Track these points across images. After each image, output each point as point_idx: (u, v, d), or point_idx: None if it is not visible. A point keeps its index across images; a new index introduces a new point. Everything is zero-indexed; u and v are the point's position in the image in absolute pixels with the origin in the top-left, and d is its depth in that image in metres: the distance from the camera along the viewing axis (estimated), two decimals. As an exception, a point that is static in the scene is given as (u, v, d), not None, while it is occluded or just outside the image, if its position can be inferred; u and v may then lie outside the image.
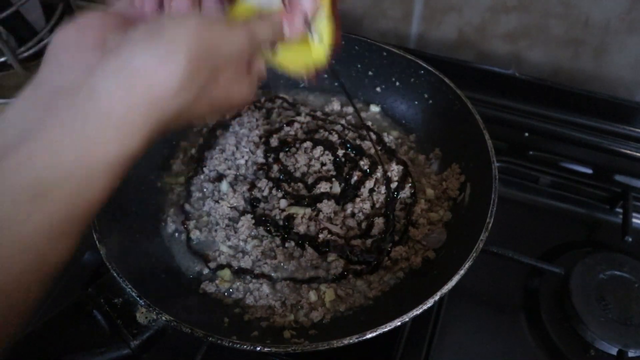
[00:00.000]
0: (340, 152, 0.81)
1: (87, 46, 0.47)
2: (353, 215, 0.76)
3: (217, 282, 0.71)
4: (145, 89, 0.40)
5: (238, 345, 0.56)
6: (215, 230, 0.76)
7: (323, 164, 0.81)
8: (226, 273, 0.72)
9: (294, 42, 0.55)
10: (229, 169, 0.82)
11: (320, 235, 0.74)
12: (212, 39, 0.44)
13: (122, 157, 0.41)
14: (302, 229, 0.74)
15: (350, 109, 0.91)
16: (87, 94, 0.40)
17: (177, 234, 0.76)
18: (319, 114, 0.90)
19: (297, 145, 0.83)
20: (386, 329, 0.56)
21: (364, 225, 0.75)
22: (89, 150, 0.39)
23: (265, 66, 0.56)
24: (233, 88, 0.50)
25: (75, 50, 0.47)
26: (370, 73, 0.90)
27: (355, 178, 0.79)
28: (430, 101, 0.85)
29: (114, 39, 0.45)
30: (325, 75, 0.69)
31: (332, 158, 0.81)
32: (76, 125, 0.39)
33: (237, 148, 0.84)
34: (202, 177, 0.82)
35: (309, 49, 0.57)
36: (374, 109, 0.92)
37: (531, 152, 0.94)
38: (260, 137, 0.85)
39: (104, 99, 0.40)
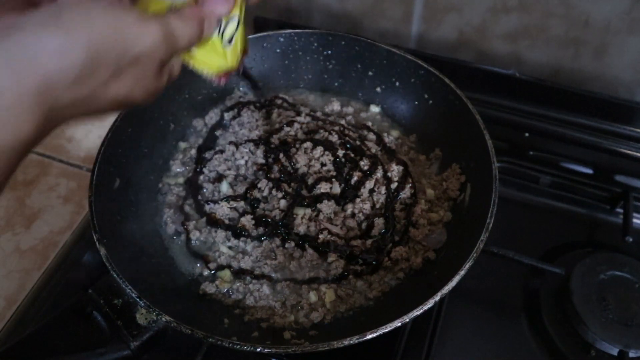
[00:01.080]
0: (341, 153, 0.81)
1: None
2: (353, 215, 0.76)
3: (217, 282, 0.71)
4: (36, 76, 0.38)
5: (238, 346, 0.56)
6: (215, 231, 0.76)
7: (323, 165, 0.81)
8: (226, 274, 0.72)
9: (206, 44, 0.53)
10: (229, 169, 0.82)
11: (321, 236, 0.73)
12: (119, 32, 0.41)
13: (13, 141, 0.38)
14: (302, 229, 0.74)
15: (350, 109, 0.91)
16: None
17: (177, 235, 0.76)
18: (319, 114, 0.90)
19: (297, 146, 0.82)
20: (386, 330, 0.56)
21: (364, 225, 0.75)
22: None
23: (180, 66, 0.53)
24: (138, 86, 0.45)
25: None
26: (370, 73, 0.90)
27: (355, 178, 0.79)
28: (431, 101, 0.85)
29: (9, 18, 0.41)
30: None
31: (332, 158, 0.81)
32: None
33: (237, 148, 0.84)
34: (201, 177, 0.82)
35: (221, 51, 0.55)
36: (374, 109, 0.91)
37: (531, 152, 0.94)
38: (260, 138, 0.85)
39: None
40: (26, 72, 0.38)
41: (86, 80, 0.40)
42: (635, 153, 0.92)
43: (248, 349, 0.56)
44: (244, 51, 0.59)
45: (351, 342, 0.55)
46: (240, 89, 0.93)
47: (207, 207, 0.78)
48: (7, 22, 0.39)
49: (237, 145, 0.84)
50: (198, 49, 0.53)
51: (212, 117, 0.89)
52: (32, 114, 0.39)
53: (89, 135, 1.01)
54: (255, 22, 1.08)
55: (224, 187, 0.79)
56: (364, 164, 0.80)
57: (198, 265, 0.73)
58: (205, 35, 0.51)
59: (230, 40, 0.55)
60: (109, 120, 0.73)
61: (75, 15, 0.39)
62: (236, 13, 0.54)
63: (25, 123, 0.39)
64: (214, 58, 0.55)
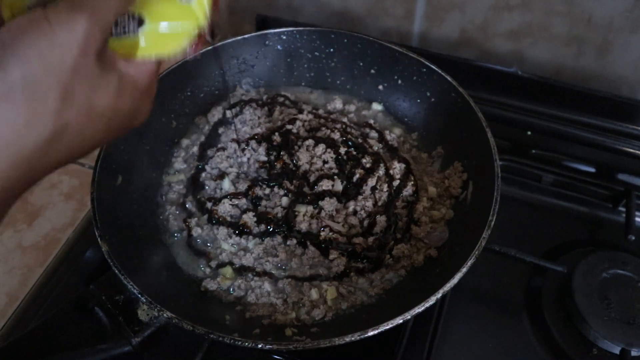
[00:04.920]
0: (343, 150, 0.81)
1: None
2: (355, 213, 0.76)
3: (218, 279, 0.71)
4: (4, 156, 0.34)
5: (239, 343, 0.56)
6: (217, 228, 0.76)
7: (325, 162, 0.81)
8: (228, 271, 0.72)
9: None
10: (231, 166, 0.82)
11: (322, 233, 0.73)
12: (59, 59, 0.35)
13: None
14: (304, 226, 0.74)
15: (352, 107, 0.91)
16: None
17: (178, 232, 0.76)
18: (321, 112, 0.90)
19: (299, 143, 0.82)
20: (388, 327, 0.56)
21: (366, 223, 0.75)
22: None
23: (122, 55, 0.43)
24: (100, 92, 0.39)
25: None
26: (372, 71, 0.90)
27: (357, 176, 0.78)
28: (433, 99, 0.85)
29: None
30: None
31: (334, 156, 0.81)
32: None
33: (239, 146, 0.84)
34: (203, 174, 0.82)
35: (184, 12, 0.46)
36: (377, 107, 0.91)
37: (534, 151, 0.94)
38: (262, 135, 0.85)
39: None
40: None
41: (36, 120, 0.36)
42: (637, 152, 0.91)
43: (249, 345, 0.56)
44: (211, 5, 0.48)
45: (352, 339, 0.55)
46: (243, 86, 0.93)
47: (208, 205, 0.78)
48: None
49: (239, 142, 0.84)
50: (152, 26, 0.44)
51: (215, 114, 0.89)
52: (7, 180, 0.35)
53: (91, 133, 1.01)
54: (257, 20, 1.08)
55: (226, 185, 0.79)
56: (366, 161, 0.80)
57: (200, 262, 0.73)
58: None
59: None
60: (111, 117, 0.73)
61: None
62: None
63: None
64: (176, 19, 0.45)
